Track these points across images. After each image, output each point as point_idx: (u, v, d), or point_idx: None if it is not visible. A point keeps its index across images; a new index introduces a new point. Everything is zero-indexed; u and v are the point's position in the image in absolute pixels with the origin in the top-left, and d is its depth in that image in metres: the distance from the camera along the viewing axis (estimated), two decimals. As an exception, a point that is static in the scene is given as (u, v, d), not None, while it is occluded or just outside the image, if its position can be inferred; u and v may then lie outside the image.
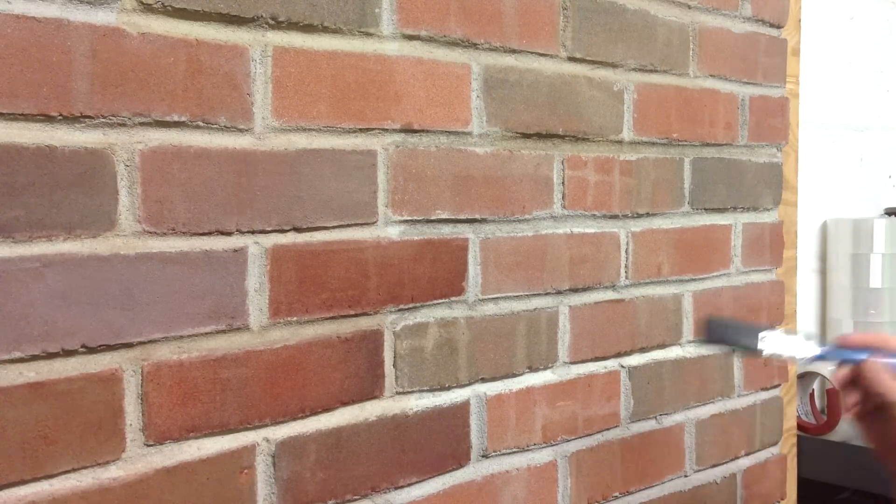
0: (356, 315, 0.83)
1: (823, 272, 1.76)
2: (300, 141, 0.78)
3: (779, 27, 1.26)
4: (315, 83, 0.79)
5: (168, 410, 0.71)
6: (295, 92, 0.77)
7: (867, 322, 1.66)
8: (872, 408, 0.72)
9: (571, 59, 0.99)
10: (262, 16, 0.75)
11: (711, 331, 0.86)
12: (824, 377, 1.55)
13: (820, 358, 0.76)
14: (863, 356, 0.73)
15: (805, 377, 1.57)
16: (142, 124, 0.69)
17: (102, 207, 0.67)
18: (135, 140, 0.69)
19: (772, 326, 0.79)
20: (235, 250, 0.75)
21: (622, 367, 1.07)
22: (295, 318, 0.78)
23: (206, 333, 0.73)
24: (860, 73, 1.81)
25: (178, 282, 0.71)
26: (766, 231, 1.26)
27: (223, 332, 0.74)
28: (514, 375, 0.96)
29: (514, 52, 0.94)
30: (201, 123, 0.72)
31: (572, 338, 1.01)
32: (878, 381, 0.70)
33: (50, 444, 0.65)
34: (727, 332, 0.87)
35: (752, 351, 0.81)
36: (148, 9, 0.69)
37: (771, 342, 0.80)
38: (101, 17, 0.67)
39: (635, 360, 1.09)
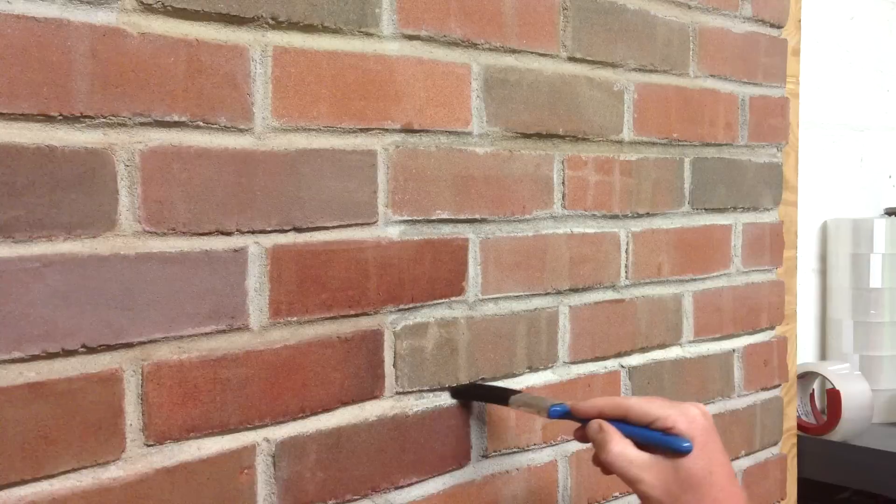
0: (356, 315, 0.83)
1: (823, 272, 1.76)
2: (300, 141, 0.78)
3: (779, 27, 1.26)
4: (315, 83, 0.79)
5: (168, 410, 0.71)
6: (295, 92, 0.77)
7: (867, 322, 1.66)
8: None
9: (571, 59, 0.99)
10: (262, 16, 0.75)
11: (458, 392, 0.91)
12: (825, 377, 1.55)
13: (555, 416, 0.82)
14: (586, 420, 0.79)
15: (805, 377, 1.57)
16: (142, 124, 0.69)
17: (102, 207, 0.67)
18: (135, 140, 0.69)
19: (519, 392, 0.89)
20: (235, 250, 0.75)
21: (622, 367, 1.07)
22: (295, 318, 0.78)
23: (206, 333, 0.73)
24: (860, 73, 1.81)
25: (178, 282, 0.71)
26: (766, 231, 1.26)
27: (223, 332, 0.74)
28: (514, 375, 0.96)
29: (514, 52, 0.94)
30: (201, 123, 0.72)
31: (572, 338, 1.01)
32: (598, 446, 0.77)
33: (50, 444, 0.65)
34: (476, 390, 0.92)
35: (501, 402, 0.88)
36: (148, 9, 0.69)
37: (518, 399, 0.86)
38: (101, 17, 0.67)
39: (635, 360, 1.09)
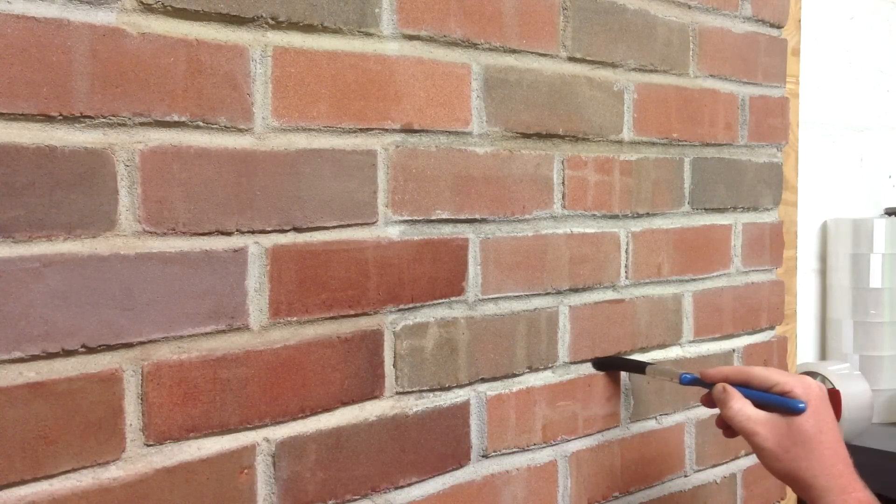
0: (356, 315, 0.83)
1: (823, 272, 1.75)
2: (300, 141, 0.78)
3: (779, 27, 1.26)
4: (315, 83, 0.79)
5: (168, 410, 0.71)
6: (295, 92, 0.77)
7: (867, 322, 1.66)
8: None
9: (571, 59, 0.99)
10: (262, 16, 0.75)
11: (601, 363, 1.04)
12: (825, 377, 1.55)
13: (686, 382, 0.94)
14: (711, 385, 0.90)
15: (805, 377, 1.56)
16: (142, 124, 0.69)
17: (102, 207, 0.67)
18: (135, 140, 0.69)
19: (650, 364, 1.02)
20: (235, 250, 0.75)
21: (622, 367, 1.07)
22: (295, 318, 0.78)
23: (206, 333, 0.73)
24: (860, 73, 1.81)
25: (178, 282, 0.71)
26: (766, 231, 1.26)
27: (223, 332, 0.74)
28: (514, 375, 0.96)
29: (514, 52, 0.94)
30: (201, 123, 0.72)
31: (572, 338, 1.01)
32: (721, 404, 0.88)
33: (50, 444, 0.65)
34: (616, 362, 1.05)
35: (638, 371, 1.02)
36: (148, 9, 0.69)
37: (653, 369, 1.00)
38: (101, 17, 0.67)
39: (635, 360, 1.09)
